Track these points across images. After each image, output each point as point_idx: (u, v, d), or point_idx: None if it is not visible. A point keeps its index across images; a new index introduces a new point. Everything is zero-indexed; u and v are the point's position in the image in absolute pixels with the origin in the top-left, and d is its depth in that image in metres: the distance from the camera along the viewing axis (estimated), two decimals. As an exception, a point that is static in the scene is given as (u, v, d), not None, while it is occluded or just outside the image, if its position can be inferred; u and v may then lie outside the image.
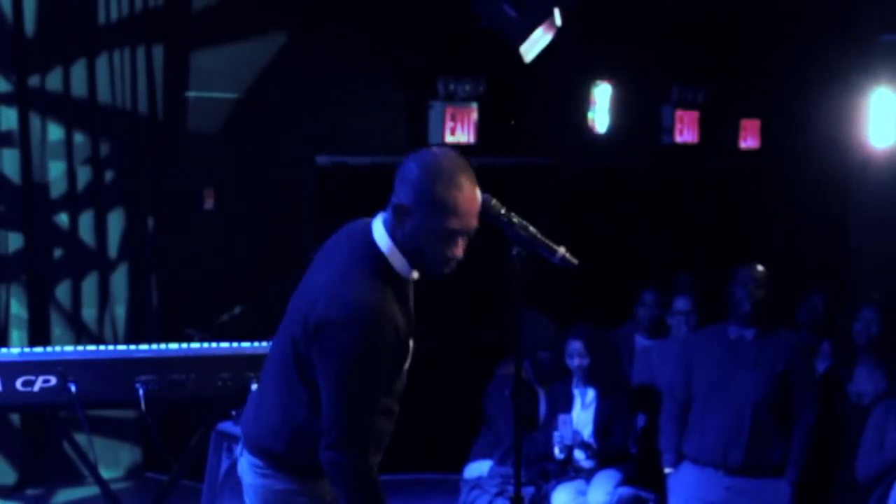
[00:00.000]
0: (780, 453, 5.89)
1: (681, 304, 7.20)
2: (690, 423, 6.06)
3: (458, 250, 3.33)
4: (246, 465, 3.50)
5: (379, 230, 3.37)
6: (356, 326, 3.19)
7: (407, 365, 3.41)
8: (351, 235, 3.45)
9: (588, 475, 6.44)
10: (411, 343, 3.40)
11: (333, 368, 3.21)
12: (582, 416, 6.57)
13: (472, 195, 3.29)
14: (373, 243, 3.35)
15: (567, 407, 6.58)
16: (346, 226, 3.53)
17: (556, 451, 6.41)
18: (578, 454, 6.45)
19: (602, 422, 6.51)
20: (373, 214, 3.48)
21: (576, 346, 6.53)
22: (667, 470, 6.15)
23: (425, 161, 3.32)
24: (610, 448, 6.49)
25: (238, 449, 3.56)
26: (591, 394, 6.58)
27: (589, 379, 6.55)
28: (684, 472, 6.05)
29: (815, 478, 6.09)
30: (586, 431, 6.51)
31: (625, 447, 6.56)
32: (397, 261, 3.34)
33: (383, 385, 3.28)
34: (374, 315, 3.22)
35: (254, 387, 3.54)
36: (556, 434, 6.40)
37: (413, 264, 3.36)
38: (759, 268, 6.00)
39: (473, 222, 3.30)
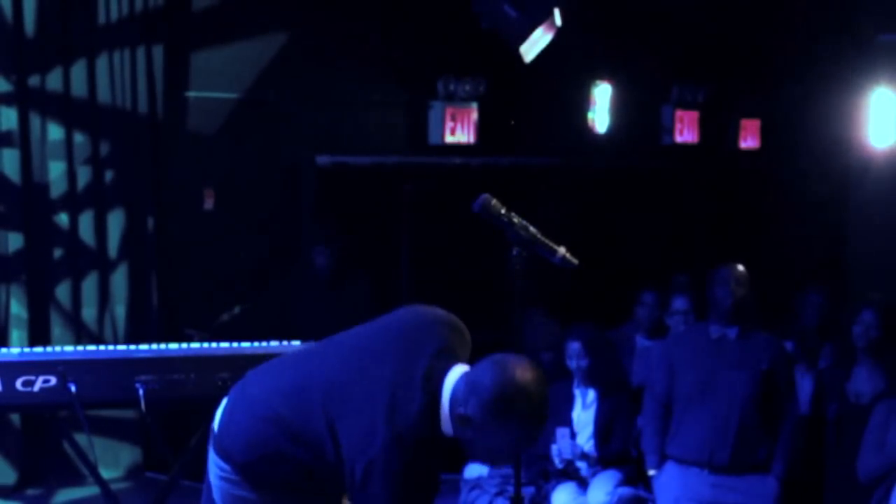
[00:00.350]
0: (765, 451, 5.90)
1: (679, 303, 7.19)
2: (674, 424, 6.04)
3: (509, 460, 3.29)
4: (211, 463, 3.46)
5: (448, 388, 3.19)
6: (402, 488, 3.15)
7: None
8: (423, 367, 3.22)
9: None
10: None
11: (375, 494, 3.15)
12: (582, 416, 6.56)
13: (541, 426, 3.21)
14: (437, 394, 3.20)
15: (567, 410, 6.57)
16: (418, 319, 3.36)
17: (556, 461, 6.42)
18: (580, 464, 6.45)
19: (603, 422, 6.51)
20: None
21: (574, 347, 6.53)
22: (650, 472, 6.14)
23: (504, 386, 3.11)
24: (610, 452, 6.49)
25: (210, 443, 3.50)
26: (591, 394, 6.57)
27: (589, 380, 6.55)
28: (669, 473, 6.04)
29: (804, 474, 6.11)
30: (587, 432, 6.51)
31: (625, 449, 6.55)
32: (447, 426, 3.22)
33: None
34: (419, 478, 3.18)
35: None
36: (554, 447, 6.41)
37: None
38: (740, 267, 6.00)
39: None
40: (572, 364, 6.54)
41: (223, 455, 3.40)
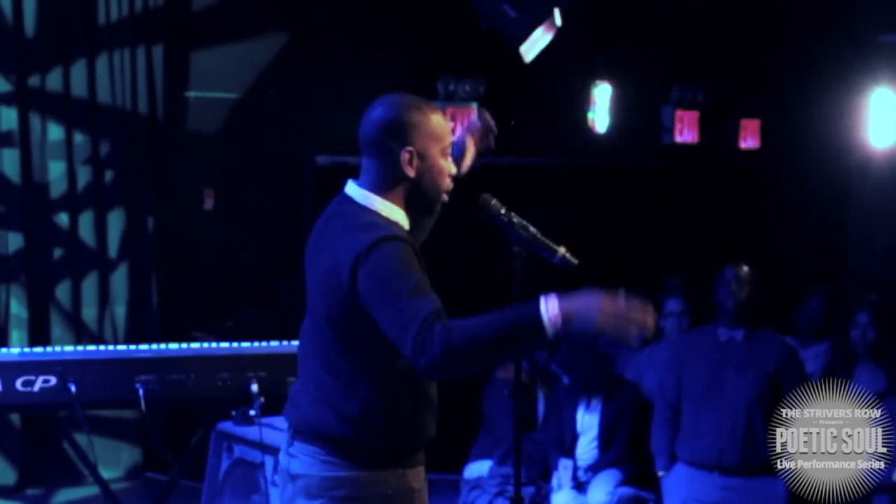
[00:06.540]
0: (774, 452, 5.89)
1: (672, 306, 7.18)
2: (683, 426, 6.03)
3: (451, 163, 3.36)
4: (300, 455, 3.31)
5: (360, 193, 3.33)
6: (379, 247, 3.13)
7: None
8: (333, 214, 3.38)
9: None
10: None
11: (375, 286, 3.10)
12: (587, 420, 6.55)
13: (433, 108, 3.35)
14: (361, 206, 3.31)
15: (571, 413, 6.56)
16: (322, 215, 3.46)
17: (554, 486, 6.43)
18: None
19: (607, 427, 6.49)
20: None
21: None
22: (660, 473, 6.14)
23: (393, 104, 3.28)
24: (610, 459, 6.48)
25: (285, 441, 3.37)
26: (594, 398, 6.56)
27: (592, 388, 6.55)
28: (678, 474, 6.04)
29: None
30: (591, 435, 6.51)
31: (625, 454, 6.53)
32: (393, 213, 3.29)
33: (426, 280, 3.17)
34: (389, 235, 3.17)
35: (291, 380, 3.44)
36: (555, 475, 6.42)
37: (415, 206, 3.33)
38: (744, 267, 5.97)
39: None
40: None
41: (313, 438, 3.29)
